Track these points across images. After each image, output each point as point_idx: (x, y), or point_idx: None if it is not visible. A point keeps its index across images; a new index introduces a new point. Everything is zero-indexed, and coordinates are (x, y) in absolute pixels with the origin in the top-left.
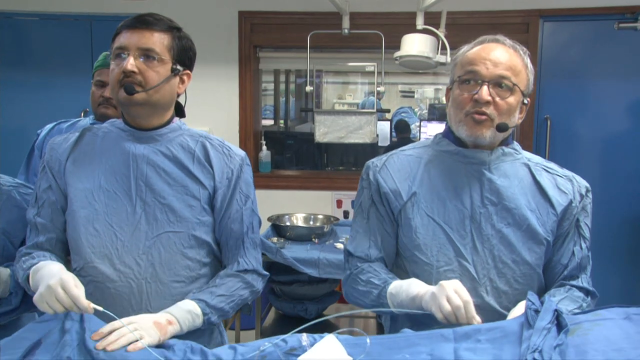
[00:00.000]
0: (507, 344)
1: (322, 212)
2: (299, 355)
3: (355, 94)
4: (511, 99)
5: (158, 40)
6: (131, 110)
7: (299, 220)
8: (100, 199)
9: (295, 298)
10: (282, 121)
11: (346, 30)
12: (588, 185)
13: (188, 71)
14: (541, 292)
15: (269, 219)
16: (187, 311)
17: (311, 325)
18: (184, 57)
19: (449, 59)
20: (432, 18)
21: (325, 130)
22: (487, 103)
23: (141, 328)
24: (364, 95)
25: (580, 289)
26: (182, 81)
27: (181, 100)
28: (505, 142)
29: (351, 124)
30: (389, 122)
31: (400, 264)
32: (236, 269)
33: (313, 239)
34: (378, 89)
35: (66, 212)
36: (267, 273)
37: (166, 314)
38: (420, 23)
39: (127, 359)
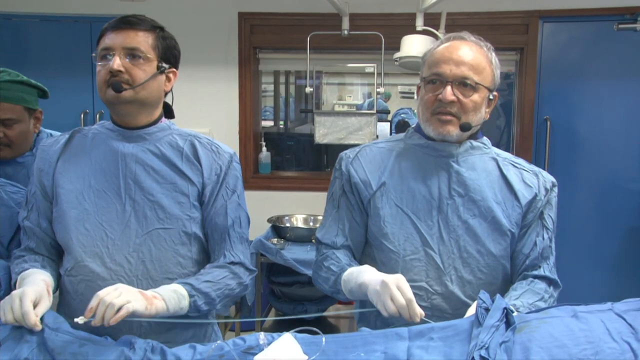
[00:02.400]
0: (457, 342)
1: (322, 213)
2: (256, 354)
3: (354, 95)
4: (475, 97)
5: (143, 40)
6: (119, 108)
7: (298, 221)
8: (90, 198)
9: (295, 299)
10: (282, 122)
11: (346, 32)
12: (554, 180)
13: (174, 69)
14: (506, 284)
15: (269, 220)
16: (172, 290)
17: (310, 321)
18: (169, 55)
19: None
20: (431, 19)
21: (325, 132)
22: (452, 102)
23: (126, 293)
24: (363, 96)
25: (543, 278)
26: (168, 79)
27: (169, 100)
28: (474, 137)
29: (351, 125)
30: (389, 123)
31: (370, 252)
32: (223, 261)
33: (313, 240)
34: (378, 90)
35: (54, 213)
36: (254, 269)
37: (150, 291)
38: (420, 24)
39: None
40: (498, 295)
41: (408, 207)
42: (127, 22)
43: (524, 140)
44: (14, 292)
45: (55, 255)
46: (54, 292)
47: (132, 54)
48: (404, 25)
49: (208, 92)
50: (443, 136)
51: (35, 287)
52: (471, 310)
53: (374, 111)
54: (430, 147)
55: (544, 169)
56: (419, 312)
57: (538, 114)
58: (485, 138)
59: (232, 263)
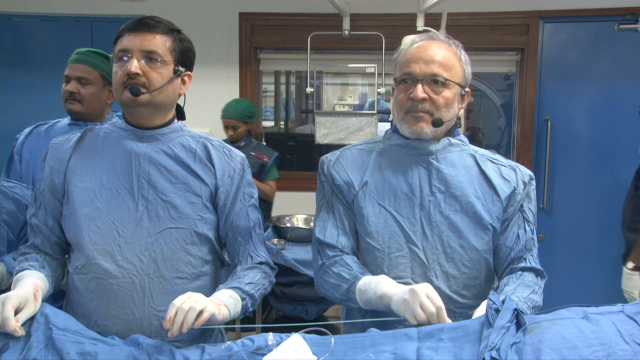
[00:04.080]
0: (467, 343)
1: None
2: (264, 355)
3: (355, 95)
4: (447, 93)
5: (160, 43)
6: (135, 110)
7: (299, 221)
8: (102, 196)
9: (296, 299)
10: (282, 122)
11: (346, 32)
12: (531, 173)
13: (189, 72)
14: (489, 277)
15: (270, 221)
16: (229, 296)
17: (313, 326)
18: (185, 58)
19: None
20: (432, 19)
21: (326, 132)
22: (423, 100)
23: (201, 299)
24: (359, 97)
25: (530, 269)
26: (183, 82)
27: (180, 102)
28: (451, 134)
29: (351, 125)
30: (389, 124)
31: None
32: (251, 263)
33: None
34: (378, 90)
35: (64, 211)
36: (275, 266)
37: (212, 298)
38: (420, 24)
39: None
40: (508, 296)
41: (390, 206)
42: (145, 25)
43: (524, 141)
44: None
45: (59, 253)
46: (51, 293)
47: (149, 56)
48: (405, 25)
49: (209, 92)
50: (417, 134)
51: (21, 292)
52: (480, 311)
53: (375, 111)
54: (409, 146)
55: (544, 169)
56: (448, 321)
57: (539, 115)
58: (462, 135)
59: (260, 263)
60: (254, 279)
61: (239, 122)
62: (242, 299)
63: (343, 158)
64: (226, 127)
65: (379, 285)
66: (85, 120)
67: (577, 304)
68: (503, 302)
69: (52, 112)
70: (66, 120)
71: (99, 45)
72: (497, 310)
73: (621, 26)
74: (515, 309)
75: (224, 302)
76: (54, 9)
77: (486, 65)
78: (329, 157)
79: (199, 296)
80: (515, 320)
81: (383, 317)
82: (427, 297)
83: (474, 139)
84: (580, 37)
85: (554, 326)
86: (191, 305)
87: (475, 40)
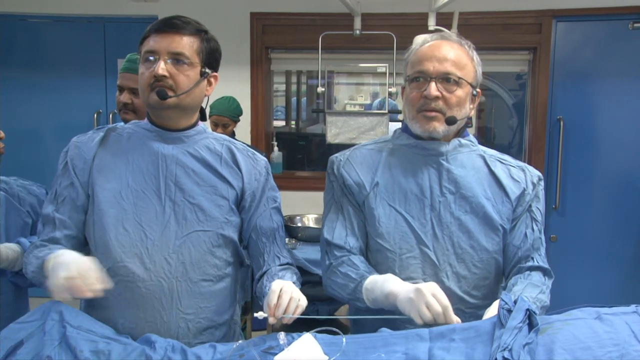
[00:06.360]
0: (479, 343)
1: None
2: (276, 354)
3: (366, 95)
4: (459, 92)
5: (187, 44)
6: (162, 113)
7: (310, 221)
8: (129, 198)
9: (307, 299)
10: (293, 122)
11: (358, 31)
12: (540, 174)
13: (216, 73)
14: (498, 276)
15: None
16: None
17: (321, 321)
18: (212, 59)
19: None
20: (444, 19)
21: (337, 131)
22: (436, 98)
23: (294, 291)
24: (370, 96)
25: (537, 269)
26: (209, 83)
27: (202, 102)
28: (461, 134)
29: (362, 125)
30: (401, 123)
31: (367, 254)
32: (279, 264)
33: None
34: (390, 89)
35: (89, 211)
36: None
37: None
38: (432, 24)
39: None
40: (520, 297)
41: (401, 206)
42: (172, 25)
43: (536, 140)
44: (64, 274)
45: (76, 250)
46: None
47: (177, 58)
48: (416, 25)
49: (220, 92)
50: (430, 133)
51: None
52: (492, 311)
53: (386, 111)
54: (419, 146)
55: (557, 169)
56: (455, 319)
57: (551, 114)
58: (471, 136)
59: (287, 264)
60: (292, 279)
61: (230, 120)
62: None
63: (353, 158)
64: (215, 125)
65: (385, 284)
66: None
67: (590, 304)
68: (515, 302)
69: (65, 112)
70: (121, 124)
71: (111, 45)
72: (509, 311)
73: (635, 25)
74: (528, 310)
75: None
76: (66, 9)
77: (498, 65)
78: (338, 157)
79: (291, 288)
80: (527, 321)
81: (390, 316)
82: (433, 296)
83: (485, 139)
84: (593, 36)
85: (567, 326)
86: (293, 288)
87: (487, 39)
